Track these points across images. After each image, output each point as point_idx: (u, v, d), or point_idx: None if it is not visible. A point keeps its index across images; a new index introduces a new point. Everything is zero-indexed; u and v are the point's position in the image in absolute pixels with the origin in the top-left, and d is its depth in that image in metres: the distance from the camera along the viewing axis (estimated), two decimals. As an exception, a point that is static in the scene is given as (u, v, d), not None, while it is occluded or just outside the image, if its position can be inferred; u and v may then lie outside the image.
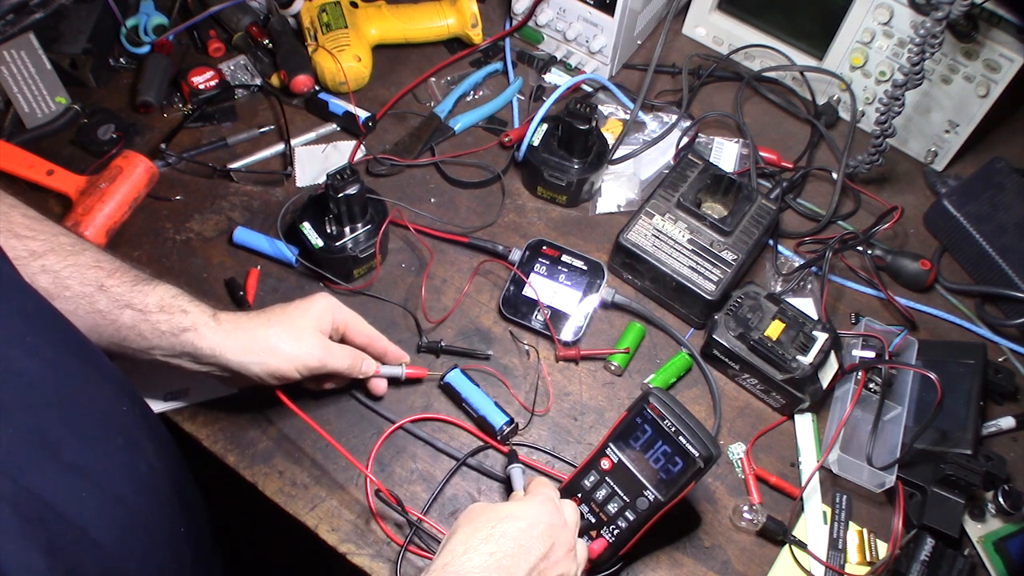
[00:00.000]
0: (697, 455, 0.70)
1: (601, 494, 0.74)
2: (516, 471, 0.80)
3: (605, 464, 0.75)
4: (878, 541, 0.82)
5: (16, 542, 0.48)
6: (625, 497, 0.73)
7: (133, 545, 0.59)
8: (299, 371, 0.75)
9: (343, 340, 0.82)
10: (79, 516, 0.54)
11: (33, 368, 0.56)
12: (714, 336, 0.87)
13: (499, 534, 0.65)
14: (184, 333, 0.72)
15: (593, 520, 0.75)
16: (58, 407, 0.56)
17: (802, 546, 0.81)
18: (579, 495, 0.76)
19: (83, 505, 0.55)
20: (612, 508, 0.74)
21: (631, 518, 0.74)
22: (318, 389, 0.84)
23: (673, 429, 0.71)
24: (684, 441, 0.71)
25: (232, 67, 1.07)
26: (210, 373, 0.75)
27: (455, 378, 0.86)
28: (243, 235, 0.94)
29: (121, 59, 1.06)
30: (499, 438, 0.84)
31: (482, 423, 0.85)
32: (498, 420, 0.84)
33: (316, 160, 1.02)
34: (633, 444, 0.73)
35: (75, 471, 0.55)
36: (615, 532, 0.74)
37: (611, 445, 0.74)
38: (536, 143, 0.98)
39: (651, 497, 0.72)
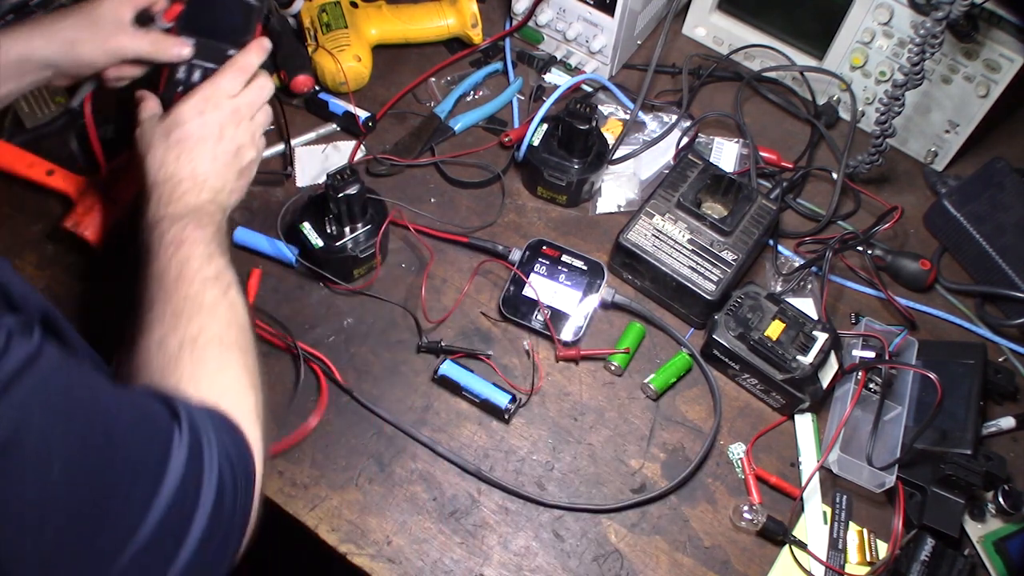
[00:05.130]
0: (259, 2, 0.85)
1: (196, 76, 0.82)
2: None
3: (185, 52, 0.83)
4: (878, 541, 0.82)
5: None
6: (212, 64, 0.82)
7: None
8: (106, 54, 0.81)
9: None
10: None
11: None
12: (714, 336, 0.87)
13: (176, 141, 0.75)
14: None
15: None
16: None
17: (802, 546, 0.81)
18: (179, 90, 0.81)
19: None
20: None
21: None
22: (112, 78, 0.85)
23: None
24: None
25: (232, 67, 1.07)
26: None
27: (449, 369, 0.86)
28: (243, 235, 0.94)
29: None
30: (506, 417, 0.85)
31: (485, 406, 0.86)
32: (502, 400, 0.85)
33: (316, 160, 1.02)
34: (197, 27, 0.83)
35: None
36: None
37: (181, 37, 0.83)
38: (536, 143, 0.98)
39: (231, 52, 0.82)
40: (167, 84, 0.83)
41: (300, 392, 0.86)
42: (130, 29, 0.82)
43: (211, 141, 0.77)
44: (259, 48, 0.83)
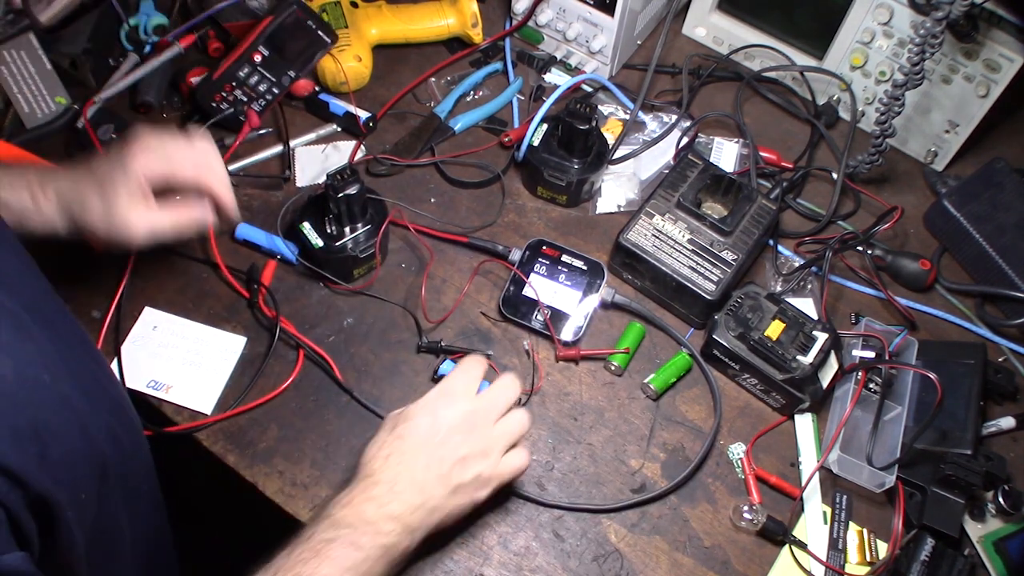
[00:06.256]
0: (329, 41, 1.00)
1: (254, 79, 0.98)
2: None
3: (257, 58, 0.98)
4: (878, 541, 0.82)
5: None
6: (272, 78, 0.99)
7: (71, 437, 0.58)
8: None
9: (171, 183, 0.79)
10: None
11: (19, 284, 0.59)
12: (714, 336, 0.87)
13: (396, 436, 0.71)
14: None
15: (246, 99, 0.99)
16: (39, 324, 0.57)
17: (802, 546, 0.81)
18: (233, 83, 0.98)
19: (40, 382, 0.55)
20: (262, 87, 0.99)
21: (276, 91, 1.01)
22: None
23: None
24: (313, 25, 1.00)
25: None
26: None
27: (449, 368, 0.86)
28: (246, 231, 0.93)
29: (121, 59, 1.06)
30: None
31: None
32: None
33: (316, 160, 1.02)
34: (276, 44, 0.99)
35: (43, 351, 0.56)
36: (263, 103, 1.01)
37: (261, 46, 0.99)
38: (536, 143, 0.98)
39: (291, 73, 1.00)
40: (223, 73, 0.99)
41: (300, 387, 0.86)
42: (143, 203, 0.76)
43: (431, 446, 0.70)
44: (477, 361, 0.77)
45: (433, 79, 1.10)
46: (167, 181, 0.78)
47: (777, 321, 0.86)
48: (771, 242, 0.98)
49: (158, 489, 0.74)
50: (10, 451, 0.47)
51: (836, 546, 0.81)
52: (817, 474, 0.84)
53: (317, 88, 1.06)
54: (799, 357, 0.84)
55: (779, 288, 0.95)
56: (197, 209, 0.80)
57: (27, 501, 0.49)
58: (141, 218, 0.76)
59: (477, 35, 1.12)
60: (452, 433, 0.71)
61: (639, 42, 1.16)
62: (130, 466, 0.67)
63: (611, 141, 1.02)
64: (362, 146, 1.03)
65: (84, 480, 0.56)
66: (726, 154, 1.05)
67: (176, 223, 0.78)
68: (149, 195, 0.77)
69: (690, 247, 0.91)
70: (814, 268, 0.95)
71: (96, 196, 0.75)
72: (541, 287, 0.92)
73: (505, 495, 0.82)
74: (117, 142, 0.78)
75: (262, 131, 1.03)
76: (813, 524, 0.82)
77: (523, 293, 0.92)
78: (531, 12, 1.10)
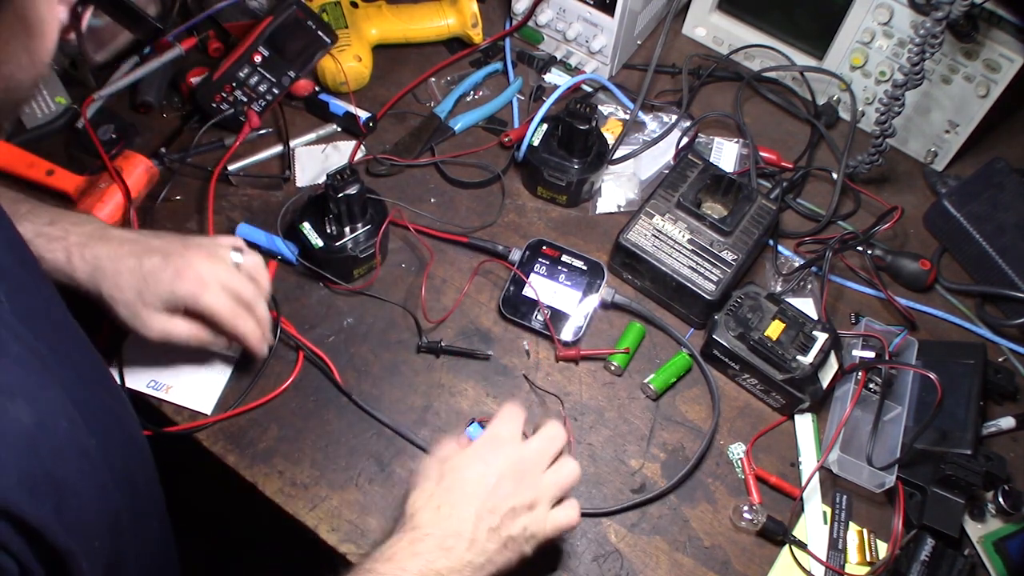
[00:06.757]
0: (329, 42, 1.00)
1: (254, 80, 0.98)
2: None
3: (257, 59, 0.97)
4: (878, 541, 0.82)
5: None
6: (272, 78, 0.99)
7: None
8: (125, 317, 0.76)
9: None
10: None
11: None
12: (714, 336, 0.87)
13: (445, 488, 0.68)
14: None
15: (246, 99, 0.98)
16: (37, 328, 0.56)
17: (802, 546, 0.81)
18: (233, 83, 0.97)
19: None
20: (262, 87, 0.99)
21: (276, 92, 1.00)
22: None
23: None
24: (313, 25, 0.99)
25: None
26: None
27: (476, 433, 0.81)
28: (246, 231, 0.93)
29: (121, 59, 1.06)
30: None
31: None
32: None
33: (316, 160, 1.02)
34: (276, 44, 0.98)
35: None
36: (263, 104, 1.00)
37: (261, 47, 0.98)
38: (536, 143, 0.98)
39: (291, 74, 1.00)
40: (223, 74, 0.98)
41: (300, 388, 0.86)
42: (169, 315, 0.76)
43: (482, 496, 0.68)
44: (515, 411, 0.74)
45: (433, 79, 1.10)
46: (205, 315, 0.77)
47: (777, 321, 0.86)
48: (771, 242, 0.98)
49: (159, 491, 0.74)
50: (26, 501, 0.45)
51: (836, 546, 0.81)
52: (817, 474, 0.84)
53: (317, 88, 1.06)
54: (799, 357, 0.84)
55: (779, 288, 0.95)
56: (218, 337, 0.79)
57: (41, 553, 0.47)
58: (161, 324, 0.76)
59: (477, 35, 1.12)
60: (502, 481, 0.69)
61: (639, 42, 1.16)
62: (140, 498, 0.65)
63: (611, 141, 1.02)
64: (362, 146, 1.03)
65: (98, 531, 0.54)
66: (726, 154, 1.05)
67: (193, 337, 0.78)
68: (179, 312, 0.77)
69: (690, 247, 0.91)
70: (814, 268, 0.95)
71: (131, 288, 0.74)
72: (541, 287, 0.92)
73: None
74: (175, 245, 0.77)
75: (262, 131, 1.03)
76: (813, 524, 0.82)
77: (523, 293, 0.92)
78: (531, 12, 1.10)
